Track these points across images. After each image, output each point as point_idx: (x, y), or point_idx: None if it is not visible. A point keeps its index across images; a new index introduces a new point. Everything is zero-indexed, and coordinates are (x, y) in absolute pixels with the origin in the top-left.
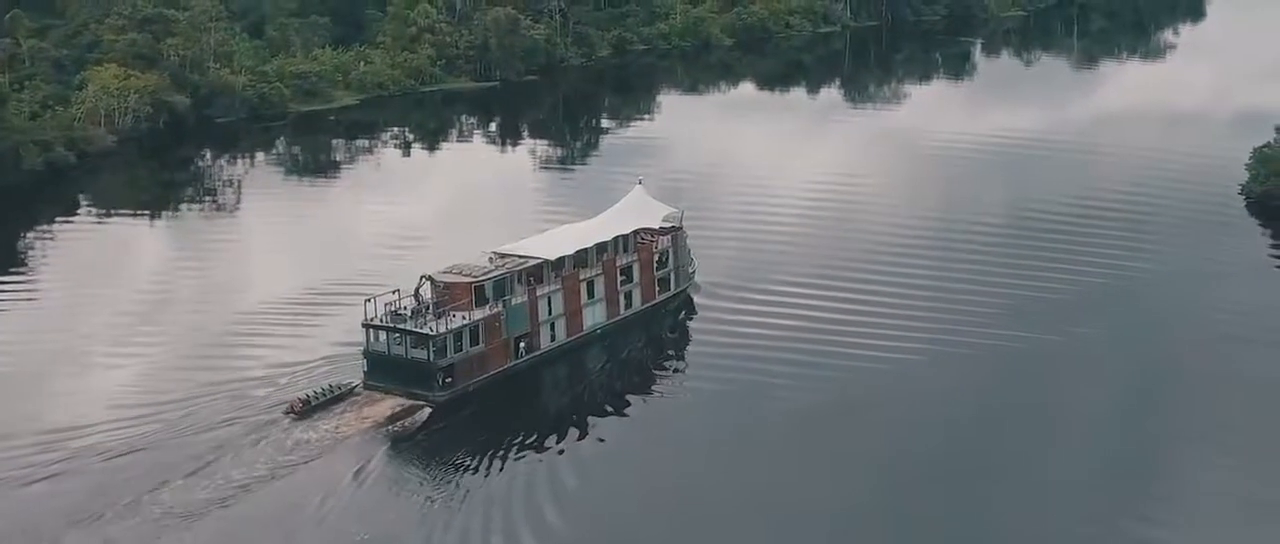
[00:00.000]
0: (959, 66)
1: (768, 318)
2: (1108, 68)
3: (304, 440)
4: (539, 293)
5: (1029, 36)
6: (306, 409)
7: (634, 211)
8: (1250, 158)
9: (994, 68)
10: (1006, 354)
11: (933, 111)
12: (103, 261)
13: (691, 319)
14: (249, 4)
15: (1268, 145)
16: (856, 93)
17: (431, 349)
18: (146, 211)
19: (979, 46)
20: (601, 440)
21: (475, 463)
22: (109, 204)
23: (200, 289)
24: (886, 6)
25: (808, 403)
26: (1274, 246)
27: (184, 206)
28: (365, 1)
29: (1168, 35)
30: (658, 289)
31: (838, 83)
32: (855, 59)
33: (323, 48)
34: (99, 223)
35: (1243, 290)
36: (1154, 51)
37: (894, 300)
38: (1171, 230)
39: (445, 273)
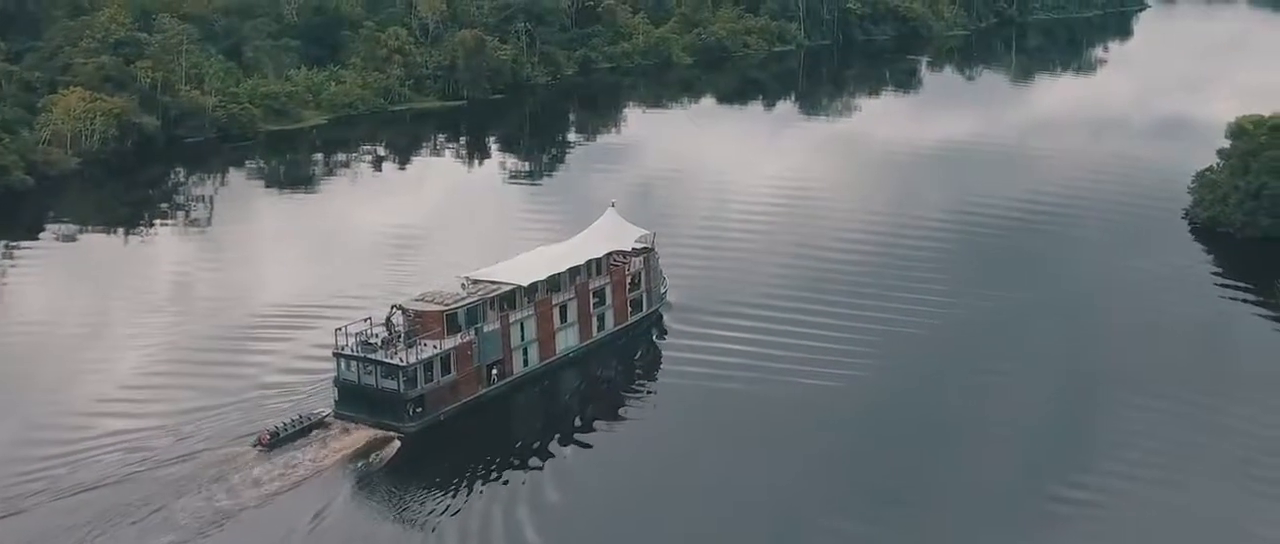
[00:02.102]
0: (906, 81)
1: (738, 333)
2: (1044, 82)
3: (272, 473)
4: (511, 319)
5: (971, 54)
6: (275, 441)
7: (607, 234)
8: (1193, 182)
9: (939, 82)
10: (966, 368)
11: (881, 123)
12: (56, 286)
13: (663, 338)
14: (230, 26)
15: (1210, 169)
16: (811, 106)
17: (402, 379)
18: (105, 233)
19: (924, 64)
20: (573, 467)
21: (444, 494)
22: (66, 226)
23: (160, 316)
24: (838, 26)
25: (781, 420)
26: (1219, 272)
27: (145, 228)
28: (341, 24)
29: (1099, 52)
30: (630, 310)
31: (793, 97)
32: (809, 76)
33: (296, 69)
34: (55, 244)
35: (1202, 316)
36: (1087, 67)
37: (865, 312)
38: (1118, 255)
39: (416, 301)
